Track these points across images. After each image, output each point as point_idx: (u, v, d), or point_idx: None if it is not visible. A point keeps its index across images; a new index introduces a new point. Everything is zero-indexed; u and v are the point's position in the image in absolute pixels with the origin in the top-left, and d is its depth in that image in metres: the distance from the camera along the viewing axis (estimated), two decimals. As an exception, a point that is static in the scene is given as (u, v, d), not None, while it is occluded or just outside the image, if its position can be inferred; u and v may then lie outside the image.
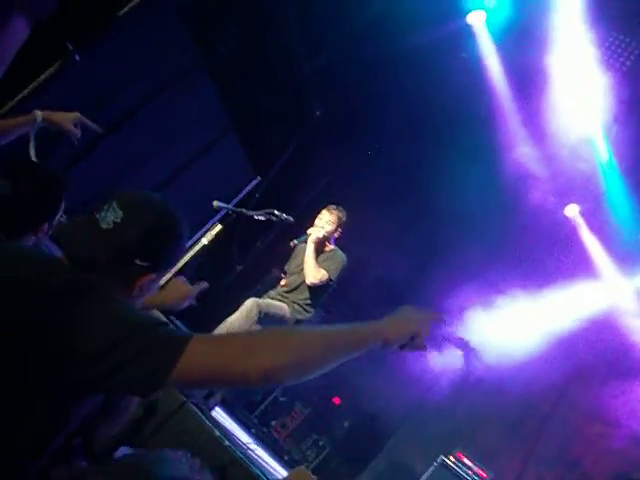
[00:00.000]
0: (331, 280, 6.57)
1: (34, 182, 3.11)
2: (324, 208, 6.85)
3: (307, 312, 6.58)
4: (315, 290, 6.60)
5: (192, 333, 2.01)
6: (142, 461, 1.28)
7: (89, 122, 3.67)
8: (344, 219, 6.83)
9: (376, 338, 2.20)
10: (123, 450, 3.23)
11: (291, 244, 6.84)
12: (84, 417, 2.12)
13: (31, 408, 1.97)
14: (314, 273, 6.46)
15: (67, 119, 3.54)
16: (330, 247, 6.82)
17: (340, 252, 6.79)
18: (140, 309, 2.25)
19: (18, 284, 2.04)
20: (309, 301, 6.64)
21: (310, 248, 6.54)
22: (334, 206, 6.84)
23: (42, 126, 3.47)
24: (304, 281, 6.58)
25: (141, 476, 1.24)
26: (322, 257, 6.68)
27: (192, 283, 3.33)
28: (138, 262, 2.17)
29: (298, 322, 6.51)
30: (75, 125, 3.58)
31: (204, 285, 3.25)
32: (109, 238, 2.11)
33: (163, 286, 3.08)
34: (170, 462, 1.30)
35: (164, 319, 2.21)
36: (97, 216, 2.14)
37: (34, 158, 3.41)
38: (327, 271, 6.53)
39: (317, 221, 6.78)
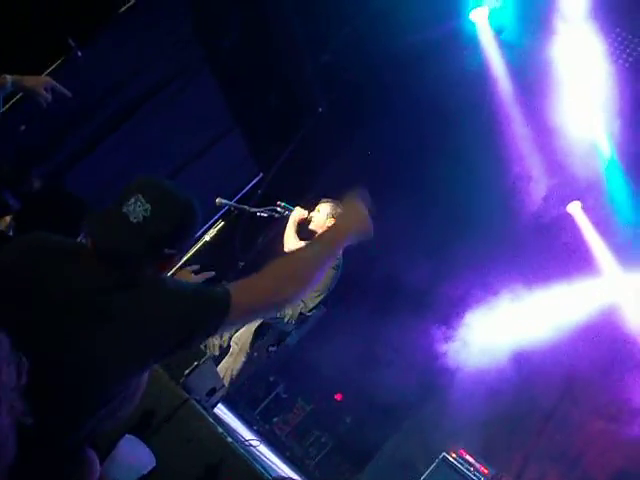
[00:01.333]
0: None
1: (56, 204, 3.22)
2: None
3: (307, 305, 6.24)
4: None
5: (228, 288, 2.33)
6: None
7: (60, 86, 3.60)
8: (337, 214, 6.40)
9: (347, 242, 2.69)
10: (126, 437, 3.28)
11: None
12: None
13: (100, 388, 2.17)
14: (293, 243, 6.23)
15: (38, 83, 3.50)
16: None
17: None
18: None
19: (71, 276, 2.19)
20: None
21: (291, 221, 6.33)
22: (329, 199, 6.49)
23: (12, 90, 3.45)
24: None
25: None
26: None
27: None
28: (166, 251, 2.31)
29: (302, 316, 6.24)
30: (45, 89, 3.54)
31: (210, 274, 3.33)
32: (140, 232, 2.22)
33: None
34: None
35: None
36: (124, 210, 2.22)
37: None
38: None
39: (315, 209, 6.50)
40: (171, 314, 2.20)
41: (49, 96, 3.50)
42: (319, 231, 6.46)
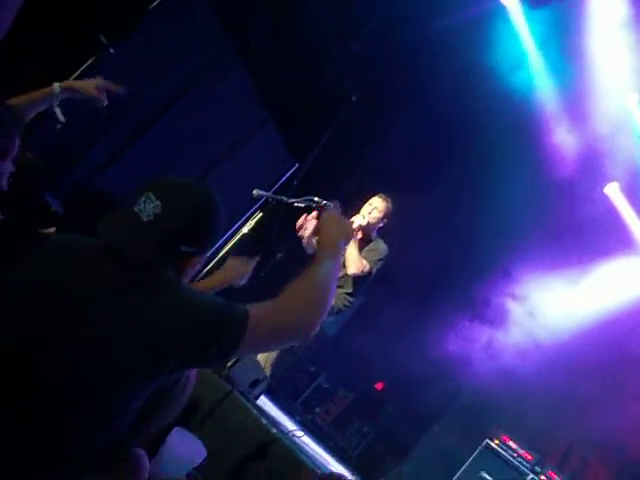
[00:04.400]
0: (371, 272, 6.36)
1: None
2: (375, 195, 6.62)
3: (349, 301, 6.42)
4: (357, 279, 6.39)
5: (247, 311, 2.22)
6: None
7: (111, 84, 3.47)
8: (392, 210, 6.59)
9: (341, 253, 2.63)
10: (176, 431, 3.28)
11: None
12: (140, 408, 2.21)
13: (103, 398, 2.06)
14: (357, 264, 6.24)
15: (90, 85, 3.38)
16: (373, 237, 6.57)
17: (382, 243, 6.54)
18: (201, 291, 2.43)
19: (86, 281, 2.13)
20: (351, 290, 6.42)
21: (352, 243, 6.14)
22: (385, 195, 6.61)
23: (65, 97, 3.32)
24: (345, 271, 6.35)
25: None
26: (364, 247, 6.46)
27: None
28: (184, 248, 2.23)
29: (340, 312, 6.39)
30: (99, 91, 3.40)
31: (257, 259, 3.29)
32: (152, 230, 2.16)
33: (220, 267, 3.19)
34: None
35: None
36: (135, 209, 2.18)
37: (62, 120, 3.36)
38: (369, 262, 6.31)
39: (366, 206, 6.55)
40: (186, 323, 2.10)
41: (104, 97, 3.45)
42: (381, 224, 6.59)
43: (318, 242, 2.60)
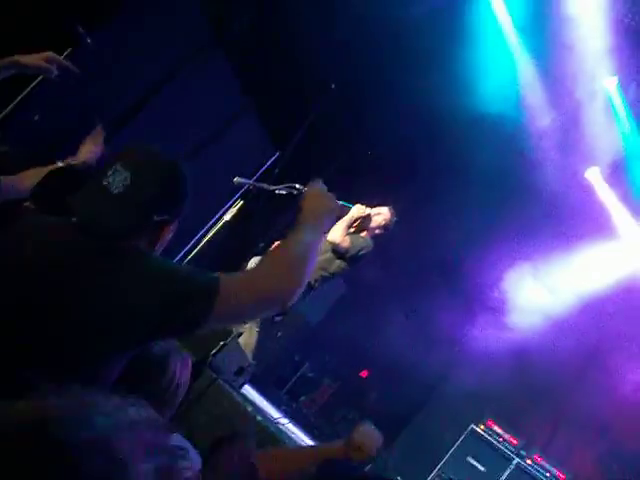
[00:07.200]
0: (347, 252, 6.37)
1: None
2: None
3: (320, 275, 6.35)
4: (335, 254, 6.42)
5: (218, 279, 2.18)
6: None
7: (63, 60, 3.36)
8: (392, 224, 6.74)
9: (325, 226, 2.62)
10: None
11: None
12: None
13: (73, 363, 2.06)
14: (337, 233, 6.27)
15: (36, 58, 3.25)
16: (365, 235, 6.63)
17: (370, 240, 6.59)
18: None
19: (57, 252, 2.14)
20: (327, 264, 6.40)
21: (349, 215, 6.38)
22: (393, 209, 6.76)
23: (9, 74, 3.21)
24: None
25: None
26: (353, 234, 6.52)
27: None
28: (156, 218, 2.22)
29: (325, 279, 6.40)
30: (48, 63, 3.24)
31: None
32: (123, 202, 2.14)
33: None
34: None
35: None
36: (104, 182, 2.15)
37: None
38: (351, 241, 6.35)
39: (375, 209, 6.65)
40: (155, 292, 2.09)
41: (54, 69, 3.36)
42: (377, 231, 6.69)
43: (300, 213, 2.55)
